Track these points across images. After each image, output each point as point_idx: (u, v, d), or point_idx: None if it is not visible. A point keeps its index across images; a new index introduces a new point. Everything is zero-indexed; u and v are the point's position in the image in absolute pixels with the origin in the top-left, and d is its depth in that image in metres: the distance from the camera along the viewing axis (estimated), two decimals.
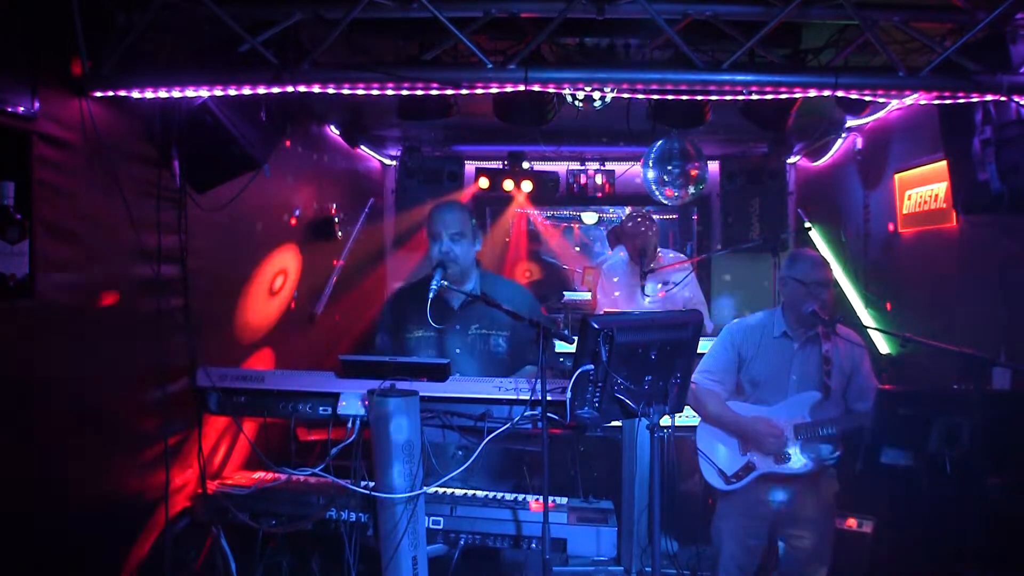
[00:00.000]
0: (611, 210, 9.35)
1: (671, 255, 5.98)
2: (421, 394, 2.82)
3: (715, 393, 3.79)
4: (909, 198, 5.27)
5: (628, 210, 8.99)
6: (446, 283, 3.27)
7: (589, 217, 9.45)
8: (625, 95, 3.70)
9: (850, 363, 3.76)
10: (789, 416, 3.70)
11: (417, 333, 3.48)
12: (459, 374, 3.16)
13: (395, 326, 3.56)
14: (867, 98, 3.66)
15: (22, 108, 2.91)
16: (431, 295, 3.21)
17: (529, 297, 3.62)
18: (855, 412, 3.71)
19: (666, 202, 6.51)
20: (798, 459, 3.68)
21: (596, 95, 4.64)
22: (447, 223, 3.42)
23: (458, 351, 3.43)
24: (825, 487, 3.81)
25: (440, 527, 2.95)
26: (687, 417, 4.09)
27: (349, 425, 2.92)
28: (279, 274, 5.36)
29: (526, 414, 2.92)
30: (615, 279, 6.05)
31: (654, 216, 5.93)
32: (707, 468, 3.81)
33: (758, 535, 3.81)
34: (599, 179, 7.90)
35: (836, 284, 3.80)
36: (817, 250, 6.90)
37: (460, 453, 3.11)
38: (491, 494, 3.12)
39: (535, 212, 8.91)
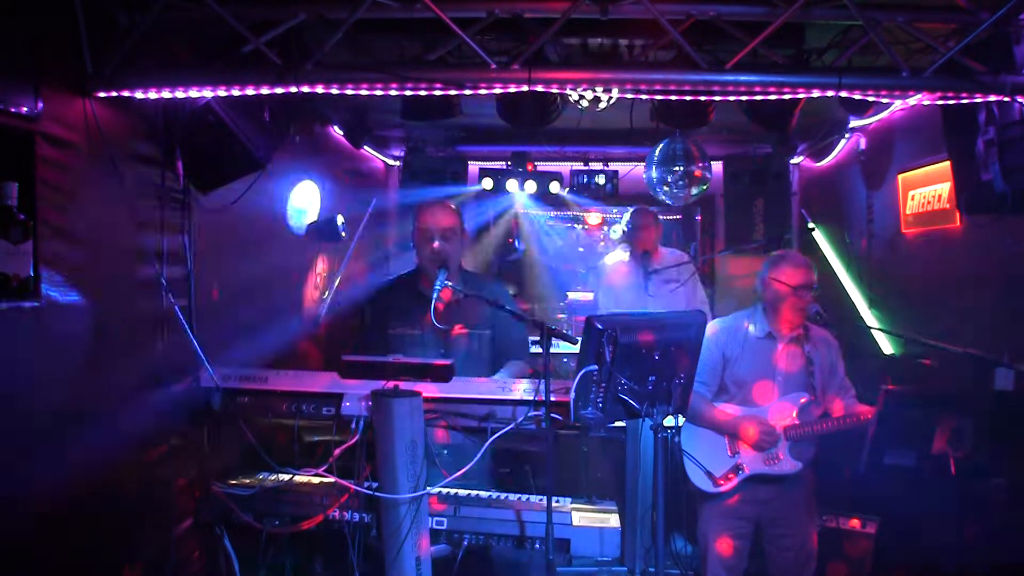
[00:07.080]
0: (614, 210, 9.33)
1: (673, 254, 5.95)
2: (424, 395, 2.82)
3: (702, 395, 3.77)
4: (912, 198, 5.27)
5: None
6: (450, 283, 3.26)
7: (593, 218, 9.43)
8: (628, 95, 3.70)
9: (828, 363, 3.77)
10: (777, 417, 3.68)
11: (399, 331, 3.47)
12: None
13: (376, 323, 3.54)
14: (871, 98, 3.65)
15: (25, 108, 2.90)
16: (435, 295, 3.20)
17: (507, 293, 3.63)
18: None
19: (669, 202, 6.50)
20: (788, 460, 3.67)
21: (603, 95, 4.63)
22: (439, 221, 3.42)
23: (441, 351, 3.42)
24: (807, 485, 3.80)
25: (443, 527, 2.95)
26: None
27: (352, 426, 2.92)
28: (283, 274, 5.36)
29: (530, 415, 2.92)
30: (617, 277, 6.03)
31: (656, 213, 5.92)
32: (693, 470, 3.77)
33: (743, 534, 3.79)
34: (602, 179, 7.88)
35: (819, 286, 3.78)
36: (820, 250, 6.93)
37: (445, 452, 3.11)
38: (494, 494, 3.12)
39: (538, 212, 8.91)
